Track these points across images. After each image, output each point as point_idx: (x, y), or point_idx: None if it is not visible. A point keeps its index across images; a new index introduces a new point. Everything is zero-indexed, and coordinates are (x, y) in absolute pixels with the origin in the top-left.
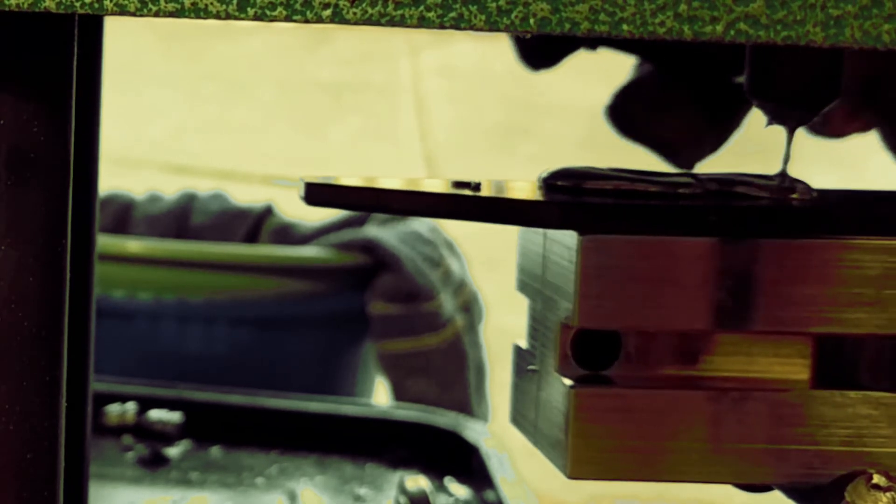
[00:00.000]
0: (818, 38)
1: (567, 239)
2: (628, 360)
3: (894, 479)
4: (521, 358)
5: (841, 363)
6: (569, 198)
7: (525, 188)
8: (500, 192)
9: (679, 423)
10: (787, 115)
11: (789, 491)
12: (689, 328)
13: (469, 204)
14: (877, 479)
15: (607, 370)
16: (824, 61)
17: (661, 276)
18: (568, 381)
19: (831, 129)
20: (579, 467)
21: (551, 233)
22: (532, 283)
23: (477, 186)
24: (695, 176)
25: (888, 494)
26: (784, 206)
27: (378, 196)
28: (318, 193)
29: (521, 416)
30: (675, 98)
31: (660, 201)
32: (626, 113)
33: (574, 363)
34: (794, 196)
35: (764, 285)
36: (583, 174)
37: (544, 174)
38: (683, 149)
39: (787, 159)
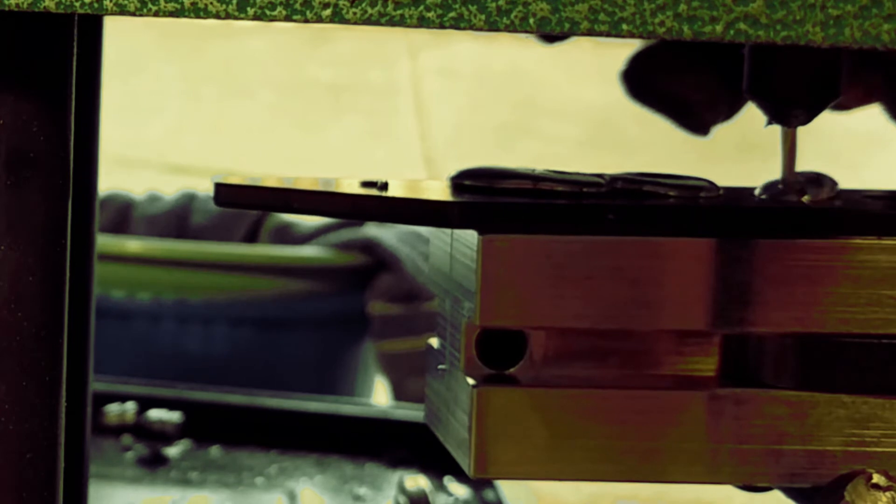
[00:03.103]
0: (818, 37)
1: (469, 238)
2: (534, 359)
3: (894, 478)
4: (433, 357)
5: (746, 361)
6: (472, 197)
7: (434, 188)
8: (406, 191)
9: (584, 422)
10: (788, 114)
11: (789, 491)
12: (593, 326)
13: (371, 204)
14: (876, 478)
15: (513, 369)
16: (824, 61)
17: (562, 274)
18: (471, 381)
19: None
20: (483, 467)
21: (457, 232)
22: (441, 281)
23: (384, 186)
24: (602, 176)
25: (888, 494)
26: (687, 205)
27: (284, 196)
28: (226, 194)
29: (434, 416)
30: (691, 60)
31: (563, 200)
32: (641, 74)
33: (479, 362)
34: (702, 195)
35: (667, 283)
36: (489, 173)
37: (453, 174)
38: (699, 109)
39: (793, 160)
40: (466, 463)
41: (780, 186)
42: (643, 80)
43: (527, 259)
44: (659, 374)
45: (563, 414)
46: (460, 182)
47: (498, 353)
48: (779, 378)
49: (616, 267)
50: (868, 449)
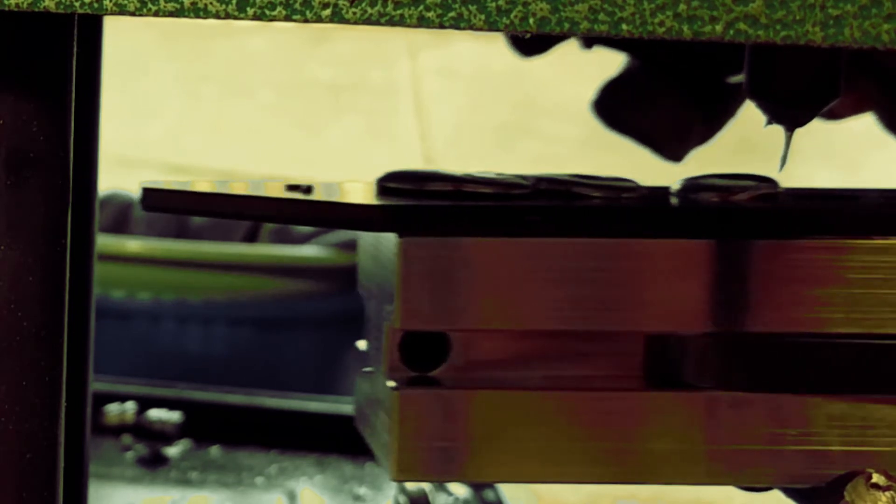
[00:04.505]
0: (817, 37)
1: (391, 241)
2: (457, 361)
3: (893, 478)
4: (360, 359)
5: (670, 362)
6: (395, 200)
7: (359, 191)
8: (331, 195)
9: (506, 424)
10: (787, 114)
11: (789, 490)
12: (514, 328)
13: (293, 207)
14: (876, 478)
15: (435, 372)
16: (824, 61)
17: (482, 276)
18: (391, 383)
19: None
20: (404, 469)
21: (381, 235)
22: (367, 284)
23: (308, 189)
24: (527, 177)
25: (888, 494)
26: (608, 205)
27: (209, 201)
28: (153, 199)
29: (362, 418)
30: (662, 92)
31: (484, 202)
32: (611, 107)
33: (402, 365)
34: (624, 195)
35: (588, 283)
36: (413, 176)
37: (379, 176)
38: (669, 142)
39: (784, 160)
40: (388, 466)
41: (700, 185)
42: (614, 113)
43: (446, 261)
44: (582, 375)
45: (484, 416)
46: (385, 185)
47: (423, 355)
48: (700, 377)
49: (536, 268)
50: (828, 448)
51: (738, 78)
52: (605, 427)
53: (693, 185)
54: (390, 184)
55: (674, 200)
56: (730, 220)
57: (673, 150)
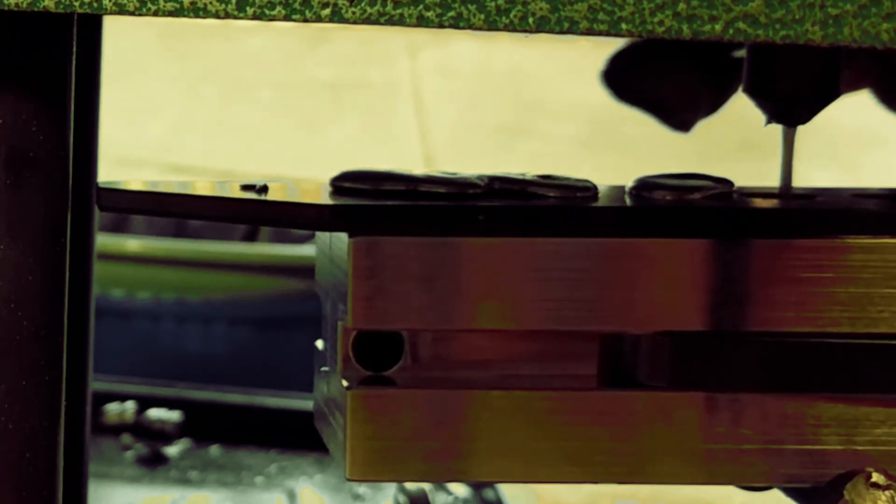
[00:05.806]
0: (817, 37)
1: (343, 240)
2: (411, 360)
3: (893, 477)
4: (318, 359)
5: (624, 361)
6: (349, 199)
7: (313, 190)
8: (284, 194)
9: (460, 423)
10: (787, 113)
11: (789, 490)
12: (467, 328)
13: (245, 207)
14: (875, 477)
15: (389, 371)
16: (823, 60)
17: (433, 275)
18: (345, 383)
19: None
20: (359, 469)
21: (335, 235)
22: (322, 283)
23: (263, 189)
24: (481, 177)
25: (887, 493)
26: (560, 205)
27: (161, 201)
28: (108, 199)
29: (320, 418)
30: (670, 61)
31: (436, 202)
32: (619, 77)
33: (356, 364)
34: (578, 195)
35: (540, 282)
36: (368, 176)
37: (334, 176)
38: (678, 110)
39: (788, 159)
40: (343, 465)
41: (654, 184)
42: (623, 82)
43: (398, 260)
44: (537, 374)
45: (439, 415)
46: (341, 185)
47: (377, 354)
48: (652, 377)
49: (488, 267)
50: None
51: (742, 52)
52: (564, 426)
53: (647, 185)
54: (345, 183)
55: (628, 200)
56: (683, 219)
57: (682, 119)
